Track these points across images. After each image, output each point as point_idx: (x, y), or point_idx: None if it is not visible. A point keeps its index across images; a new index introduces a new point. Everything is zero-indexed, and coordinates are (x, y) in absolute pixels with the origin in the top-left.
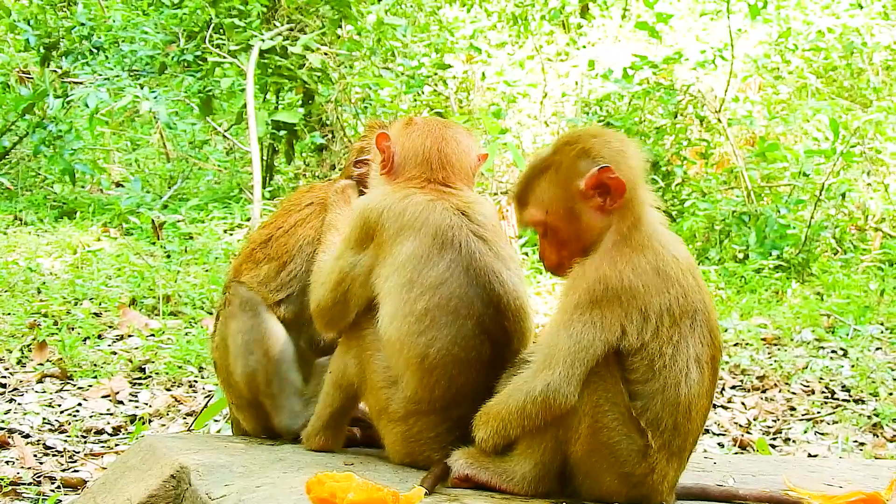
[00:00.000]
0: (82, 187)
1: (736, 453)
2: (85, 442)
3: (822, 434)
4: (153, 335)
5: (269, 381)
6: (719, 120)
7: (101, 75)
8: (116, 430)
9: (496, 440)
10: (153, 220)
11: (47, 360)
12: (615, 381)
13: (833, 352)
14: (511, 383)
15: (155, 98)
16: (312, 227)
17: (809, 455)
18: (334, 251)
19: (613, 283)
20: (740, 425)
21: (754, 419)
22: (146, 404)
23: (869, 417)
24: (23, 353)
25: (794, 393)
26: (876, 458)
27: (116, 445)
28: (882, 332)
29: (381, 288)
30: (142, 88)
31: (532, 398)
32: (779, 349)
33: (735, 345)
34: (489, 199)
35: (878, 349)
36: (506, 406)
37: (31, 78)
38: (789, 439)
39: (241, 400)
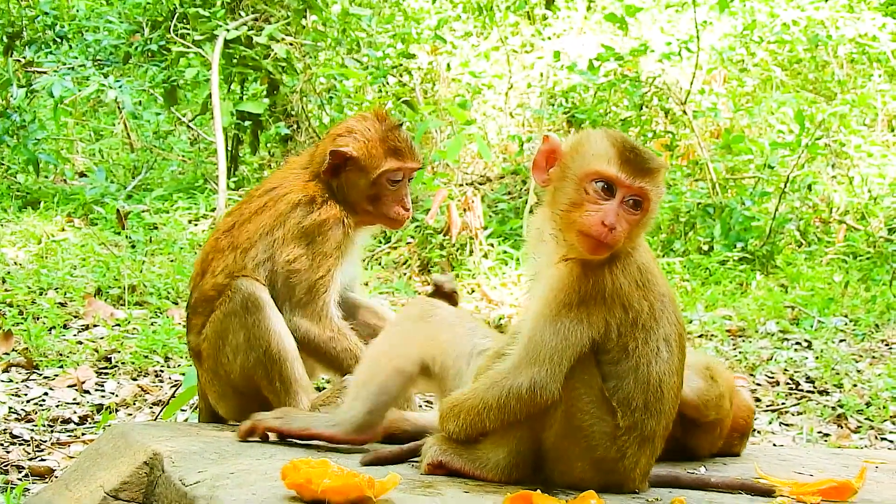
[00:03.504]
0: (46, 177)
1: None
2: (51, 431)
3: (787, 425)
4: (119, 325)
5: (271, 377)
6: (684, 112)
7: (65, 64)
8: (83, 419)
9: (469, 432)
10: (118, 210)
11: (13, 350)
12: (591, 365)
13: (797, 343)
14: (487, 377)
15: (119, 87)
16: (265, 224)
17: (774, 445)
18: None
19: (606, 284)
20: None
21: None
22: (112, 394)
23: (833, 409)
24: None
25: (758, 384)
26: (842, 448)
27: (83, 435)
28: (846, 324)
29: None
30: (106, 78)
31: (516, 394)
32: (743, 341)
33: (700, 336)
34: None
35: (842, 341)
36: (482, 400)
37: None
38: (755, 430)
39: (230, 390)
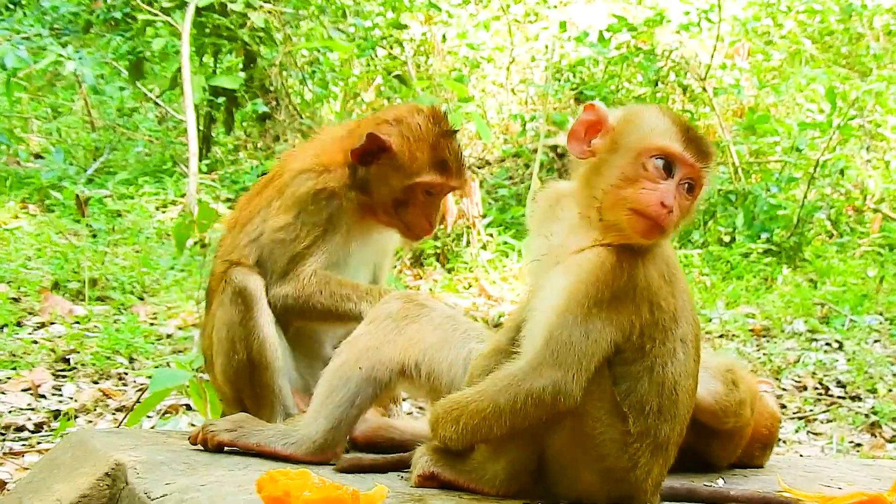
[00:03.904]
0: None
1: None
2: (3, 440)
3: (816, 434)
4: (78, 322)
5: (253, 382)
6: (704, 89)
7: (18, 33)
8: (38, 426)
9: (470, 439)
10: (77, 196)
11: None
12: (602, 366)
13: (827, 344)
14: (497, 377)
15: (79, 59)
16: (266, 196)
17: (801, 456)
18: None
19: (639, 279)
20: None
21: None
22: (71, 398)
23: (866, 416)
24: None
25: (784, 389)
26: (874, 459)
27: (38, 444)
28: (881, 323)
29: None
30: (64, 48)
31: (536, 399)
32: (768, 341)
33: (720, 336)
34: None
35: (876, 342)
36: (492, 403)
37: None
38: (779, 440)
39: (225, 396)
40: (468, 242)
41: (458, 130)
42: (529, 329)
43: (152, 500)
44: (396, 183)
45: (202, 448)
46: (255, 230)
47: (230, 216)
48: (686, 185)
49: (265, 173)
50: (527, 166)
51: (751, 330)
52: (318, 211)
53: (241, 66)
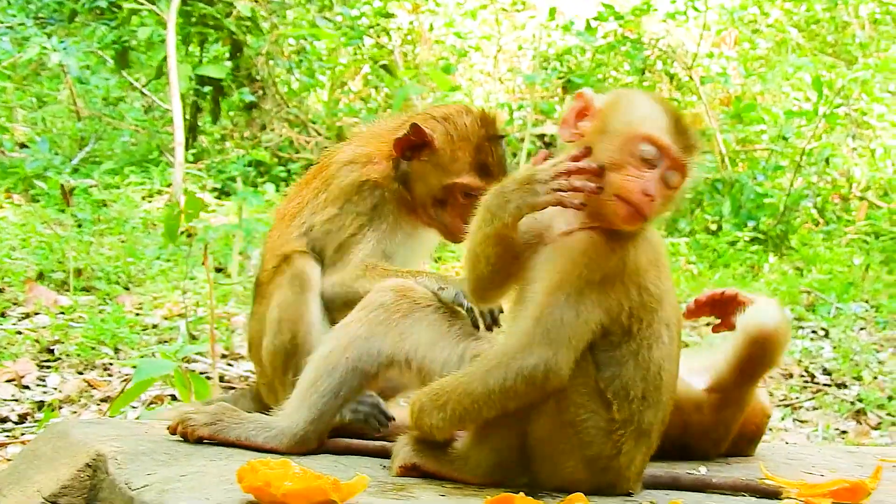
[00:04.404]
0: None
1: None
2: None
3: (802, 422)
4: (63, 313)
5: (286, 367)
6: (691, 77)
7: (2, 23)
8: (22, 417)
9: (458, 425)
10: (62, 186)
11: None
12: (585, 353)
13: (813, 332)
14: (485, 358)
15: (64, 49)
16: (314, 188)
17: (787, 444)
18: None
19: (629, 261)
20: None
21: None
22: (55, 389)
23: (852, 403)
24: None
25: (770, 377)
26: (858, 447)
27: (22, 435)
28: (866, 311)
29: None
30: (49, 38)
31: (527, 376)
32: None
33: (707, 324)
34: None
35: (861, 329)
36: (482, 384)
37: None
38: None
39: (266, 379)
40: None
41: (505, 136)
42: (518, 310)
43: (133, 490)
44: (435, 181)
45: (182, 439)
46: (303, 223)
47: (279, 208)
48: (670, 176)
49: (251, 163)
50: (514, 155)
51: None
52: (362, 200)
53: (227, 55)
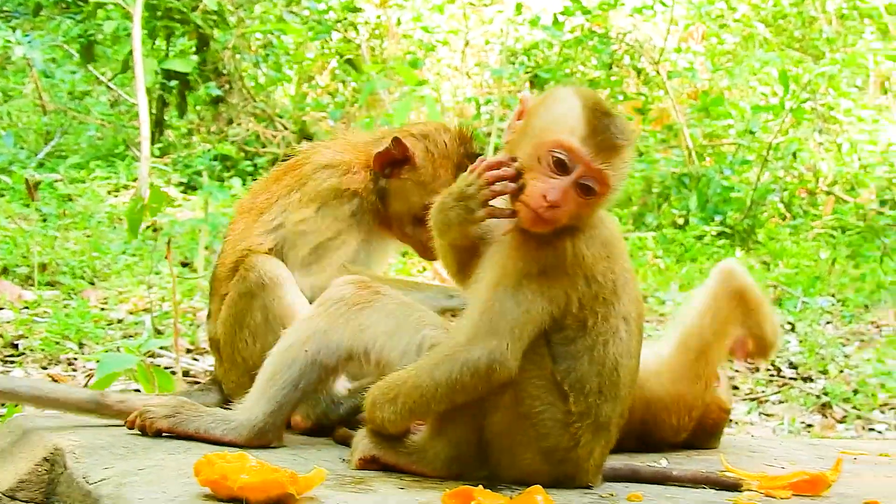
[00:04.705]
0: None
1: None
2: None
3: (767, 415)
4: (27, 307)
5: None
6: (658, 72)
7: None
8: None
9: (409, 419)
10: (27, 180)
11: None
12: (541, 345)
13: (780, 326)
14: (433, 352)
15: (29, 43)
16: (285, 185)
17: (753, 437)
18: None
19: (567, 254)
20: None
21: None
22: None
23: (818, 397)
24: None
25: (736, 370)
26: (820, 439)
27: None
28: (833, 305)
29: None
30: (14, 32)
31: (472, 369)
32: None
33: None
34: None
35: (828, 323)
36: (430, 378)
37: None
38: (731, 420)
39: (248, 379)
40: None
41: (483, 154)
42: (467, 306)
43: (90, 484)
44: (417, 199)
45: (141, 433)
46: (272, 220)
47: (242, 202)
48: (586, 182)
49: (218, 157)
50: (482, 150)
51: None
52: (340, 206)
53: (193, 49)
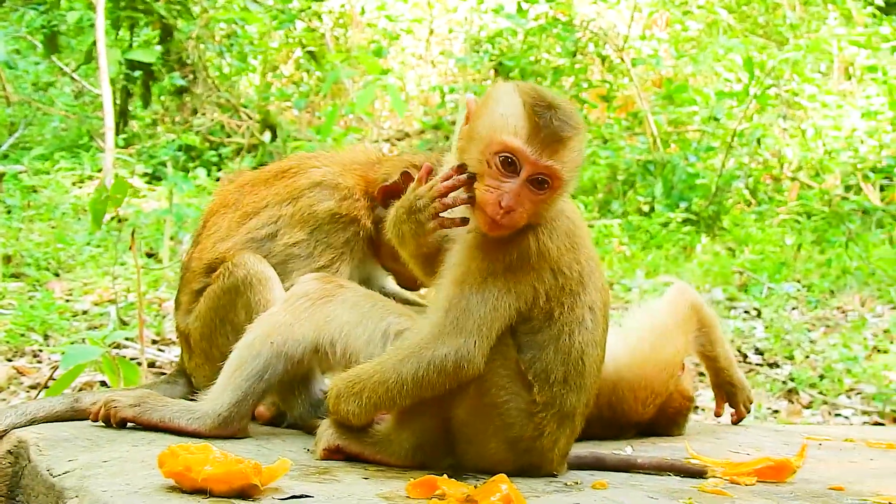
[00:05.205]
0: None
1: None
2: None
3: None
4: None
5: None
6: (622, 59)
7: None
8: None
9: (373, 413)
10: None
11: None
12: (506, 335)
13: (746, 312)
14: (398, 348)
15: None
16: (276, 193)
17: (720, 424)
18: None
19: (531, 250)
20: None
21: None
22: None
23: (784, 383)
24: None
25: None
26: (785, 425)
27: None
28: (798, 291)
29: None
30: None
31: (438, 367)
32: None
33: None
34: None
35: (794, 309)
36: (396, 374)
37: None
38: (697, 407)
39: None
40: None
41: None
42: (433, 303)
43: (54, 476)
44: None
45: (105, 424)
46: (261, 228)
47: (226, 192)
48: (536, 180)
49: (182, 147)
50: (447, 138)
51: None
52: (335, 232)
53: (157, 39)
